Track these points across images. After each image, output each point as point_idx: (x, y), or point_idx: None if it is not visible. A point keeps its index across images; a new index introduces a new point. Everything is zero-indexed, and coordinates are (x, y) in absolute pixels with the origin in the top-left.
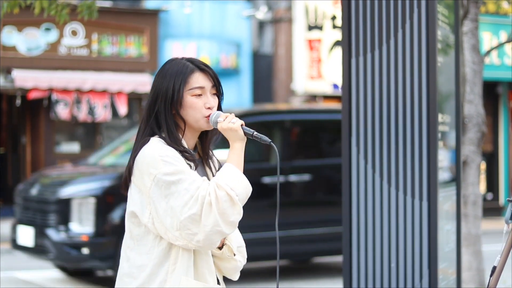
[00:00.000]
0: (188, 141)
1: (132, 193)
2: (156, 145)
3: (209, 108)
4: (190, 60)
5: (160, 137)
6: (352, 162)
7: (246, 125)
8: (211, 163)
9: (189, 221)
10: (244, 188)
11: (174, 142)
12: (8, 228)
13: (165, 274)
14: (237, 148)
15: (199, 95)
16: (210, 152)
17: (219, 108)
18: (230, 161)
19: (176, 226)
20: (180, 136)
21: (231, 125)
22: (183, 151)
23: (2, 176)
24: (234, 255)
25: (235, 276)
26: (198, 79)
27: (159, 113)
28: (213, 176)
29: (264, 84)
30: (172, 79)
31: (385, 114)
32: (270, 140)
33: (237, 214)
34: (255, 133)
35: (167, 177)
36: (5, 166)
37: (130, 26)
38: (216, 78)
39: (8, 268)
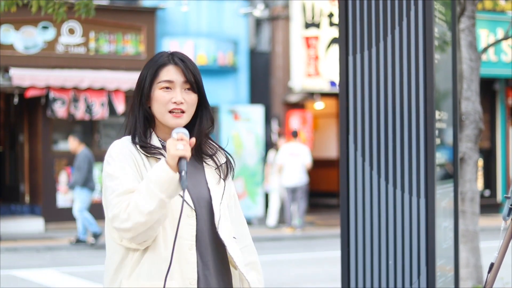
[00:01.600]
0: (164, 134)
1: None
2: (115, 144)
3: (175, 103)
4: (171, 53)
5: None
6: (349, 159)
7: None
8: (211, 160)
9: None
10: (173, 189)
11: (138, 137)
12: (7, 227)
13: (120, 281)
14: (162, 169)
15: (167, 88)
16: (209, 149)
17: (200, 104)
18: (149, 174)
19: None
20: (150, 131)
21: (172, 149)
22: (145, 147)
23: (0, 174)
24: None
25: None
26: (169, 73)
27: (134, 105)
28: (217, 174)
29: (262, 82)
30: (146, 71)
31: (383, 112)
32: (184, 188)
33: (160, 213)
34: (183, 174)
35: (104, 178)
36: (3, 164)
37: (127, 24)
38: (192, 73)
39: (7, 267)
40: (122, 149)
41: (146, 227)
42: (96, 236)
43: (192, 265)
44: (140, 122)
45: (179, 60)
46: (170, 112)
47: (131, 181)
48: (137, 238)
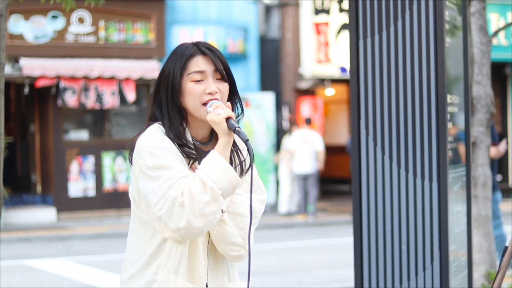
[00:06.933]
0: (195, 131)
1: (131, 177)
2: (150, 134)
3: (209, 93)
4: (196, 44)
5: (161, 124)
6: (361, 144)
7: None
8: (235, 154)
9: (162, 220)
10: (229, 181)
11: (174, 135)
12: (19, 217)
13: (157, 267)
14: (221, 144)
15: (199, 80)
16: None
17: (231, 93)
18: (202, 166)
19: (155, 219)
20: (183, 127)
21: (214, 117)
22: (182, 145)
23: (11, 164)
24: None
25: (235, 252)
26: (198, 63)
27: (161, 102)
28: (238, 170)
29: (272, 69)
30: (173, 65)
31: (394, 96)
32: (247, 138)
33: (215, 207)
34: (237, 128)
35: (148, 171)
36: (14, 154)
37: (137, 13)
38: (221, 61)
39: (19, 257)
40: (163, 140)
41: (200, 221)
42: None
43: (204, 267)
44: (176, 119)
45: (206, 49)
46: (204, 104)
47: (186, 169)
48: (187, 233)
